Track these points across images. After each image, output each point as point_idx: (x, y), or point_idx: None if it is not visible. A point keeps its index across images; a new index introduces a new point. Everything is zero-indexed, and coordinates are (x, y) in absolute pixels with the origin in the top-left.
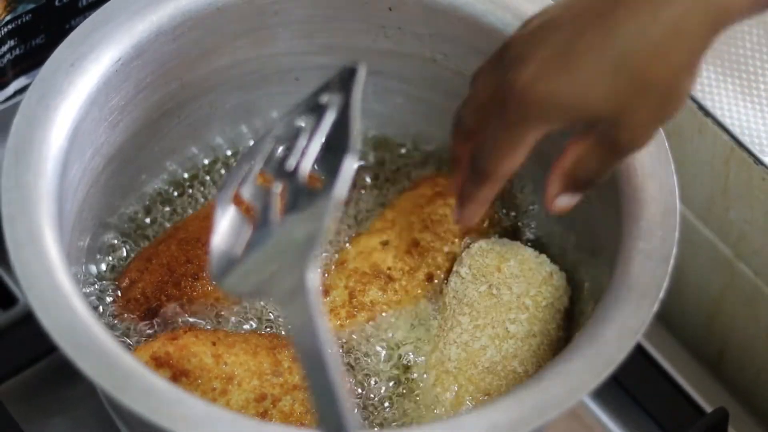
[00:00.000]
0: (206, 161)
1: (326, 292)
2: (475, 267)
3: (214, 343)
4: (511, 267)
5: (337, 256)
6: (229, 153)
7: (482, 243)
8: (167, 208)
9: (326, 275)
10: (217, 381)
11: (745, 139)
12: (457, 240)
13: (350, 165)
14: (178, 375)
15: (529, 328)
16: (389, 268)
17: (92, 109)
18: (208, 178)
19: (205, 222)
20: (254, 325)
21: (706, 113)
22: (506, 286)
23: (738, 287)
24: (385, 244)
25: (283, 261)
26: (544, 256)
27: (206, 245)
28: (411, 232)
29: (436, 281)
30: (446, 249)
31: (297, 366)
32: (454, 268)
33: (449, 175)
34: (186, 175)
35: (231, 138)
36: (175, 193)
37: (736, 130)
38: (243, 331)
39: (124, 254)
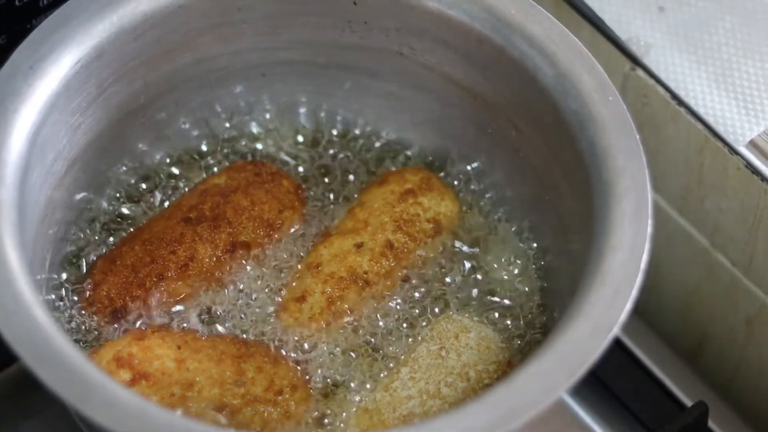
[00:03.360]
0: (171, 160)
1: (302, 298)
2: (435, 330)
3: (179, 347)
4: (469, 338)
5: (304, 254)
6: (194, 152)
7: (453, 315)
8: (132, 209)
9: (299, 278)
10: (177, 386)
11: (720, 129)
12: (429, 240)
13: None
14: (138, 378)
15: (462, 397)
16: (366, 272)
17: (53, 113)
18: (172, 177)
19: (169, 222)
20: (221, 329)
21: (680, 102)
22: (456, 352)
23: (715, 277)
24: (359, 246)
25: None
26: (505, 346)
27: (170, 245)
28: (384, 233)
29: (411, 283)
30: (420, 251)
31: (260, 377)
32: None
33: (417, 169)
34: (150, 175)
35: (197, 137)
36: (140, 194)
37: (710, 119)
38: (210, 334)
39: (89, 257)
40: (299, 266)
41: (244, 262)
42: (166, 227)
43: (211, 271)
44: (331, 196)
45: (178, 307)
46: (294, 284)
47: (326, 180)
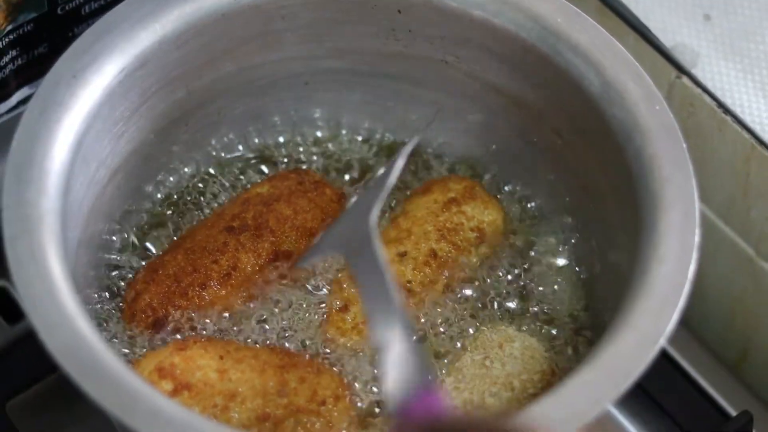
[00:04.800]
0: (214, 169)
1: (345, 308)
2: (479, 340)
3: (221, 357)
4: (513, 348)
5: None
6: (237, 160)
7: (497, 324)
8: (174, 218)
9: (344, 287)
10: (220, 397)
11: (766, 137)
12: (473, 249)
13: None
14: (181, 388)
15: (507, 407)
16: (409, 282)
17: (96, 122)
18: (215, 186)
19: (212, 231)
20: (260, 336)
21: (726, 111)
22: (500, 362)
23: (760, 286)
24: (402, 255)
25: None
26: (549, 356)
27: (213, 254)
28: (428, 242)
29: (453, 292)
30: (463, 259)
31: (303, 387)
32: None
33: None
34: (193, 184)
35: (240, 145)
36: (183, 203)
37: (756, 128)
38: (252, 342)
39: (131, 266)
40: (341, 276)
41: (287, 271)
42: (209, 236)
43: (253, 281)
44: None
45: (221, 317)
46: (337, 294)
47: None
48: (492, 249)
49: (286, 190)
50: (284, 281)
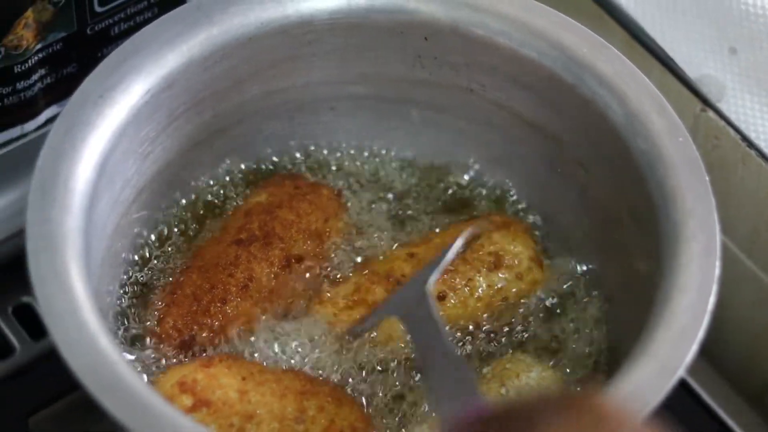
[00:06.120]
0: (239, 191)
1: (338, 284)
2: (497, 369)
3: (244, 378)
4: (529, 378)
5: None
6: (263, 183)
7: (519, 354)
8: (200, 238)
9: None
10: (237, 417)
11: None
12: (484, 269)
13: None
14: (200, 404)
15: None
16: (403, 275)
17: (122, 141)
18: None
19: (221, 246)
20: (286, 355)
21: (750, 144)
22: (517, 391)
23: None
24: (411, 255)
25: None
26: (566, 386)
27: (227, 269)
28: (440, 251)
29: (446, 302)
30: (469, 274)
31: (321, 416)
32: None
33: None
34: (218, 205)
35: (265, 168)
36: (207, 223)
37: None
38: (277, 361)
39: (156, 285)
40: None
41: (306, 275)
42: (219, 252)
43: (271, 289)
44: (390, 224)
45: (246, 332)
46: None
47: (391, 212)
48: (509, 278)
49: (285, 196)
50: (299, 284)
